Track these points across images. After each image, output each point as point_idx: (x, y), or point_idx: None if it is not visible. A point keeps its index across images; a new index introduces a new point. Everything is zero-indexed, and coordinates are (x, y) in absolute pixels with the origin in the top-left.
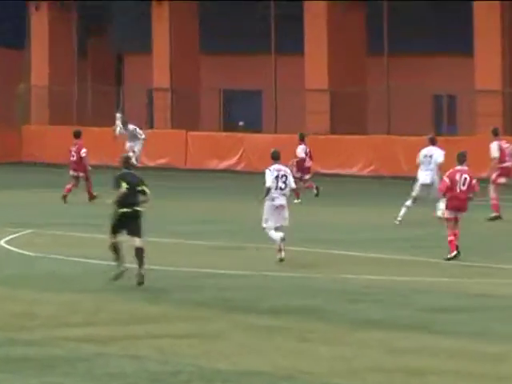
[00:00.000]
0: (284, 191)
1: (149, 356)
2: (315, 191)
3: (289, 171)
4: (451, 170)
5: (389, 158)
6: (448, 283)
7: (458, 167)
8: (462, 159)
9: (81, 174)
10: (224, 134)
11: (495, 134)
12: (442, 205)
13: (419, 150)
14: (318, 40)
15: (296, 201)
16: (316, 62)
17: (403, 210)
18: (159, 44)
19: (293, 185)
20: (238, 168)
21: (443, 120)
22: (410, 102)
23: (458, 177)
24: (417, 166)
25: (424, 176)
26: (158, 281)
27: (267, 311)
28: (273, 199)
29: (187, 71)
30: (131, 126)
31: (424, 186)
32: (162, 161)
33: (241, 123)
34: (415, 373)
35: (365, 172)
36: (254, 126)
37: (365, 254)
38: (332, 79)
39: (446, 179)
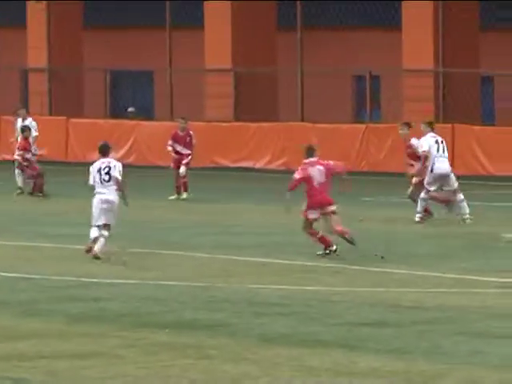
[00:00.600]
0: (109, 183)
1: (38, 380)
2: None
3: (115, 163)
4: (302, 166)
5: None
6: (366, 293)
7: (308, 160)
8: (311, 153)
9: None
10: (111, 121)
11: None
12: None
13: (336, 138)
14: (219, 11)
15: (184, 196)
16: (218, 37)
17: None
18: (34, 17)
19: (117, 175)
20: (129, 161)
21: (365, 104)
22: (327, 84)
23: (310, 171)
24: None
25: (443, 165)
26: (23, 292)
27: (164, 326)
28: (100, 193)
29: (68, 49)
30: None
31: (442, 176)
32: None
33: (130, 109)
34: None
35: (274, 165)
36: (146, 113)
37: (271, 260)
38: (236, 58)
39: (298, 175)
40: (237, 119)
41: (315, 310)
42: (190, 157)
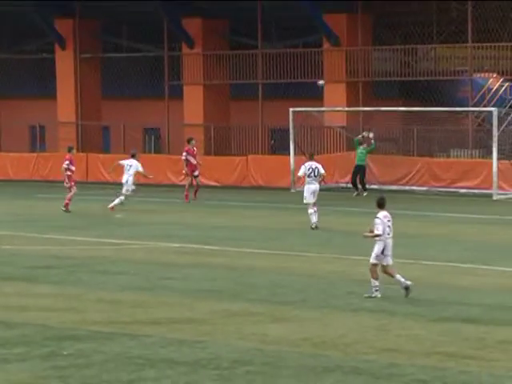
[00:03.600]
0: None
1: None
2: None
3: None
4: None
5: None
6: (40, 250)
7: None
8: None
9: None
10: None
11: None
12: None
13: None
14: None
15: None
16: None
17: None
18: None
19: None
20: None
21: (37, 142)
22: (11, 131)
23: None
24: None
25: None
26: None
27: None
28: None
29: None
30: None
31: None
32: None
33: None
34: (21, 308)
35: None
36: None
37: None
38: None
39: None
40: None
41: (6, 259)
42: None
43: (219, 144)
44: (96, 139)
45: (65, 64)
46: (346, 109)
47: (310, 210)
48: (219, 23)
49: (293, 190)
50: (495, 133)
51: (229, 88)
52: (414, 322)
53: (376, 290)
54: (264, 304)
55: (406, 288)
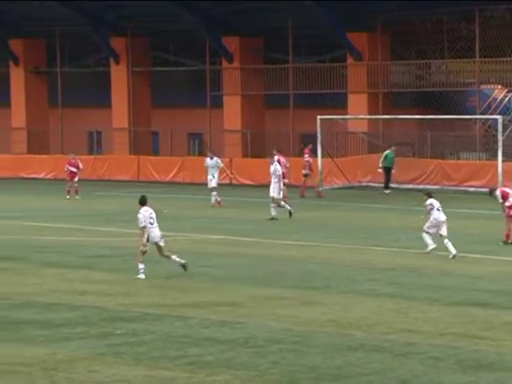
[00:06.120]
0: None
1: None
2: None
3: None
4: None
5: None
6: (99, 241)
7: None
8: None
9: None
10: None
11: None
12: None
13: None
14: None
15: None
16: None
17: None
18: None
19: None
20: None
21: (94, 146)
22: (71, 136)
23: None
24: None
25: None
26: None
27: None
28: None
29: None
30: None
31: None
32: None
33: None
34: (81, 292)
35: None
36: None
37: (44, 224)
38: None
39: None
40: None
41: (71, 249)
42: None
43: (255, 147)
44: (146, 143)
45: (119, 77)
46: (368, 117)
47: (273, 204)
48: (255, 41)
49: (320, 189)
50: (500, 138)
51: (263, 98)
52: (429, 305)
53: (142, 272)
54: (295, 289)
55: (183, 266)
